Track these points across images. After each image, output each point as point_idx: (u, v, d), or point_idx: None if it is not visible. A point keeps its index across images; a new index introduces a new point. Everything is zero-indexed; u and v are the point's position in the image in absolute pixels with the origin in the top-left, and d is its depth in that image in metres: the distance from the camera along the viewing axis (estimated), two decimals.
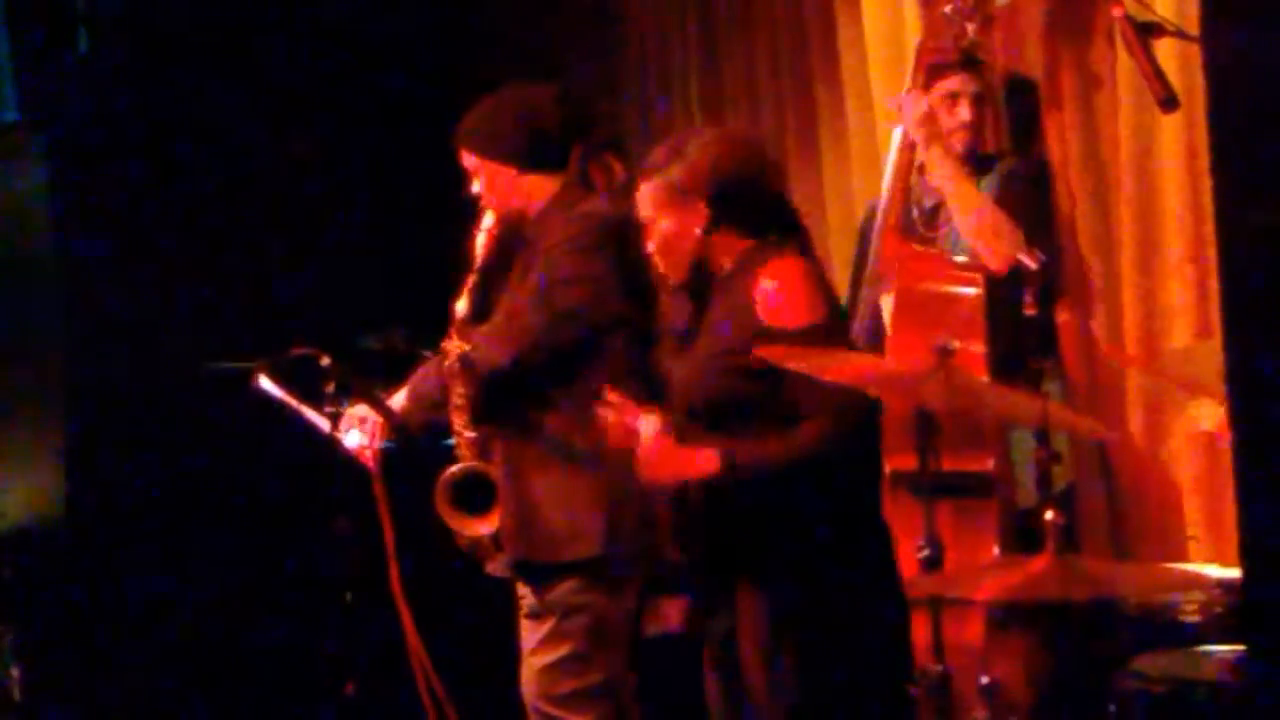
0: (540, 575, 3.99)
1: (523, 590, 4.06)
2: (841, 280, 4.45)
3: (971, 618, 3.76)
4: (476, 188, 4.07)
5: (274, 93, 5.96)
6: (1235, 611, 3.28)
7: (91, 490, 5.61)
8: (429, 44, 6.26)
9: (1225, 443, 3.04)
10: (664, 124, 5.79)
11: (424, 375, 4.10)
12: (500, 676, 4.14)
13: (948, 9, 4.07)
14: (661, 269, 3.62)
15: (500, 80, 4.21)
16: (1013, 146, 4.41)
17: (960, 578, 3.49)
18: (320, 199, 6.03)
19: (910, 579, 3.50)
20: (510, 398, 4.00)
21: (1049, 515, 2.99)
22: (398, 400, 4.12)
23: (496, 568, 4.07)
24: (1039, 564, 2.99)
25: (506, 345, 3.97)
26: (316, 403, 4.20)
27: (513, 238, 4.09)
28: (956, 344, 3.28)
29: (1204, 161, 3.75)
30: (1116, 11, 3.59)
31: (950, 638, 3.45)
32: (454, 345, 3.98)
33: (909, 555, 3.49)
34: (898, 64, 4.57)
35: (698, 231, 3.53)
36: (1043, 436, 3.29)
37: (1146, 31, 3.55)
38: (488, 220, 4.07)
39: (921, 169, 4.21)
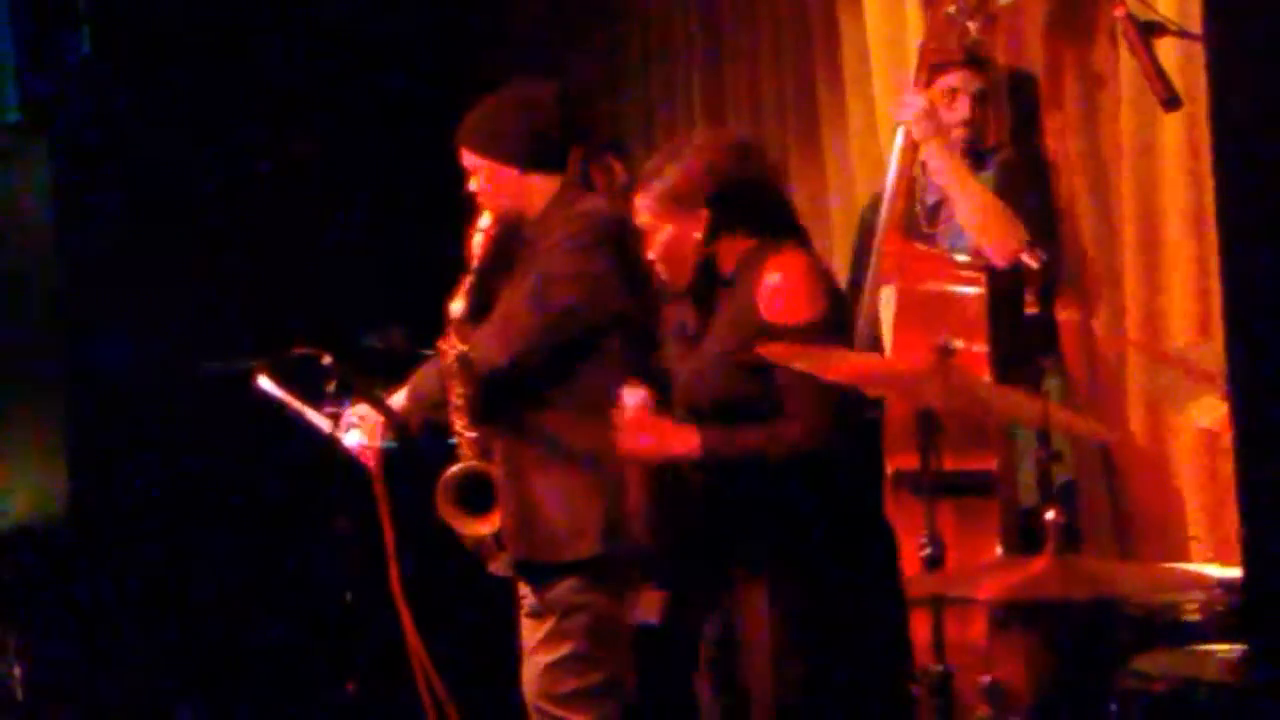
0: (541, 574, 3.99)
1: (524, 590, 4.06)
2: (842, 276, 4.46)
3: (973, 617, 3.76)
4: (474, 186, 4.07)
5: (274, 93, 5.96)
6: (1236, 611, 3.28)
7: (93, 490, 5.61)
8: (429, 44, 6.25)
9: (1227, 441, 3.05)
10: (666, 124, 5.79)
11: (424, 375, 4.10)
12: (501, 676, 4.14)
13: (951, 8, 4.06)
14: (663, 276, 3.63)
15: (501, 80, 4.21)
16: (1012, 139, 4.40)
17: (962, 577, 3.49)
18: (320, 199, 6.03)
19: (912, 578, 3.50)
20: (509, 397, 3.99)
21: (1050, 515, 2.99)
22: (398, 400, 4.12)
23: (499, 567, 4.07)
24: (1040, 563, 3.00)
25: (504, 344, 3.97)
26: (317, 402, 4.20)
27: (513, 238, 4.09)
28: (958, 343, 3.29)
29: (1206, 160, 3.75)
30: (1118, 11, 3.59)
31: (952, 637, 3.46)
32: (451, 345, 3.97)
33: (911, 554, 3.50)
34: (900, 64, 4.58)
35: (698, 237, 3.53)
36: (1044, 436, 3.29)
37: (1148, 31, 3.56)
38: (484, 220, 4.06)
39: (923, 166, 4.21)
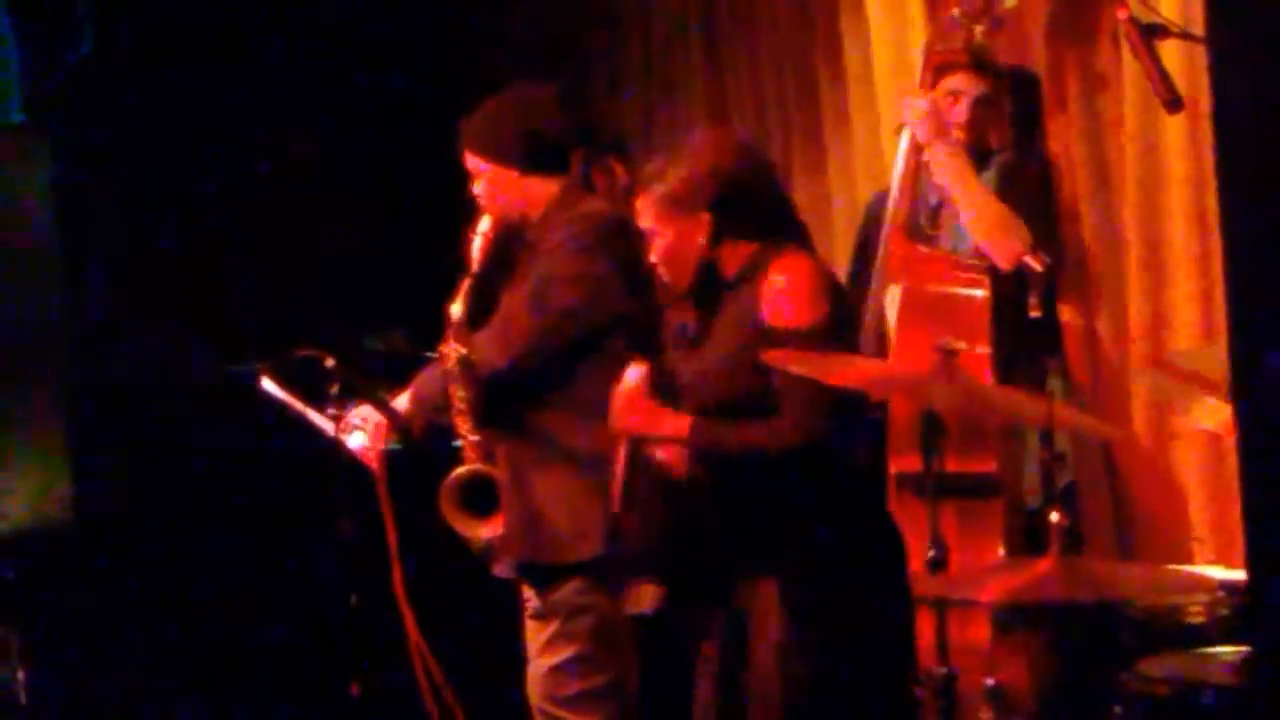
0: (544, 577, 3.99)
1: (528, 592, 4.06)
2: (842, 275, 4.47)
3: (976, 619, 3.75)
4: (477, 189, 4.07)
5: (275, 93, 5.96)
6: (1240, 613, 3.28)
7: (95, 492, 5.61)
8: (429, 44, 6.25)
9: (1230, 444, 3.05)
10: (666, 125, 5.79)
11: (427, 378, 4.10)
12: (505, 678, 4.14)
13: (955, 11, 4.06)
14: (665, 279, 3.63)
15: (501, 80, 4.22)
16: (1013, 141, 4.40)
17: (965, 579, 3.49)
18: (320, 199, 6.03)
19: (915, 580, 3.51)
20: (510, 399, 4.00)
21: (1054, 517, 2.99)
22: (401, 403, 4.12)
23: (503, 569, 4.07)
24: (1044, 565, 3.00)
25: (504, 347, 3.98)
26: (320, 404, 4.20)
27: (515, 240, 4.10)
28: (960, 345, 3.29)
29: (1208, 162, 3.77)
30: (1121, 13, 3.59)
31: (955, 639, 3.45)
32: (451, 348, 3.97)
33: (914, 556, 3.50)
34: (903, 65, 4.58)
35: (701, 241, 3.53)
36: (1046, 437, 3.29)
37: (1151, 33, 3.55)
38: (484, 224, 4.07)
39: (926, 167, 4.21)
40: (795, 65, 5.32)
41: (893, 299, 4.10)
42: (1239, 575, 3.17)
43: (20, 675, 5.19)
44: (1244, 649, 3.12)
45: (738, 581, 3.56)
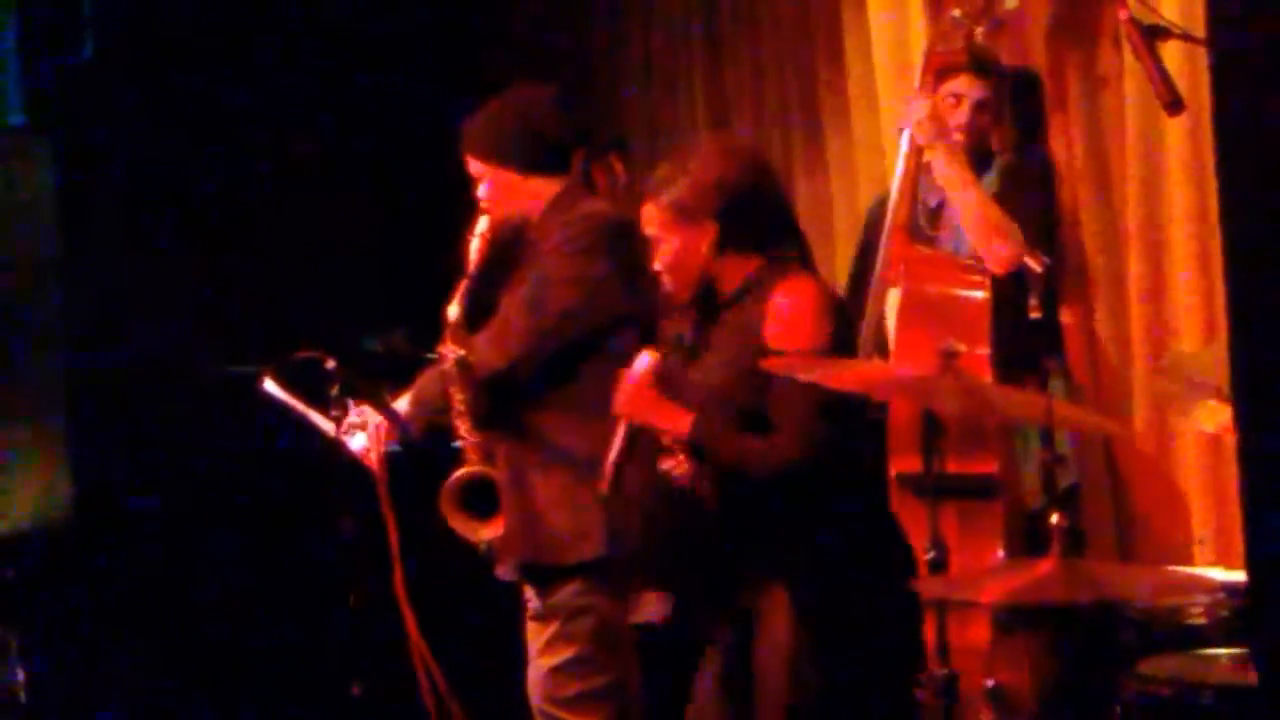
0: (545, 578, 3.99)
1: (529, 593, 4.06)
2: (845, 276, 4.47)
3: (977, 620, 3.75)
4: (482, 193, 4.07)
5: (274, 93, 5.96)
6: (1240, 615, 3.28)
7: (96, 492, 5.61)
8: (429, 44, 6.25)
9: (1231, 445, 3.05)
10: (667, 125, 5.79)
11: (428, 380, 4.10)
12: (506, 679, 4.14)
13: (956, 12, 4.06)
14: (668, 288, 3.64)
15: (501, 80, 4.21)
16: (1015, 143, 4.40)
17: (965, 580, 3.49)
18: (320, 199, 6.03)
19: (916, 581, 3.51)
20: (509, 401, 4.00)
21: (1054, 518, 2.99)
22: (401, 405, 4.12)
23: (505, 571, 4.07)
24: (1044, 567, 3.00)
25: (502, 349, 3.98)
26: (321, 406, 4.20)
27: (515, 240, 4.09)
28: (961, 347, 3.29)
29: (1209, 163, 3.77)
30: (1122, 14, 3.59)
31: (956, 640, 3.45)
32: (449, 350, 3.98)
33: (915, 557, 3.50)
34: (904, 66, 4.58)
35: (705, 250, 3.54)
36: (1047, 439, 3.29)
37: (1152, 34, 3.55)
38: (481, 225, 4.07)
39: (927, 168, 4.21)
40: (796, 66, 5.32)
41: (893, 301, 4.11)
42: (1239, 577, 3.17)
43: (20, 675, 5.19)
44: (1244, 650, 3.12)
45: (742, 583, 3.56)
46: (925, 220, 4.26)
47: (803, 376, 3.32)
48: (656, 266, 3.62)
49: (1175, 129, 3.99)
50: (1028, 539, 3.78)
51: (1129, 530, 4.24)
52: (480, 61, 6.14)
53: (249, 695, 5.50)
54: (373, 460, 4.12)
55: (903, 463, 3.78)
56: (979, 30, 4.05)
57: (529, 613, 4.07)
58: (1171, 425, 4.09)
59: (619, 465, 3.59)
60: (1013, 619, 3.78)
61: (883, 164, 4.64)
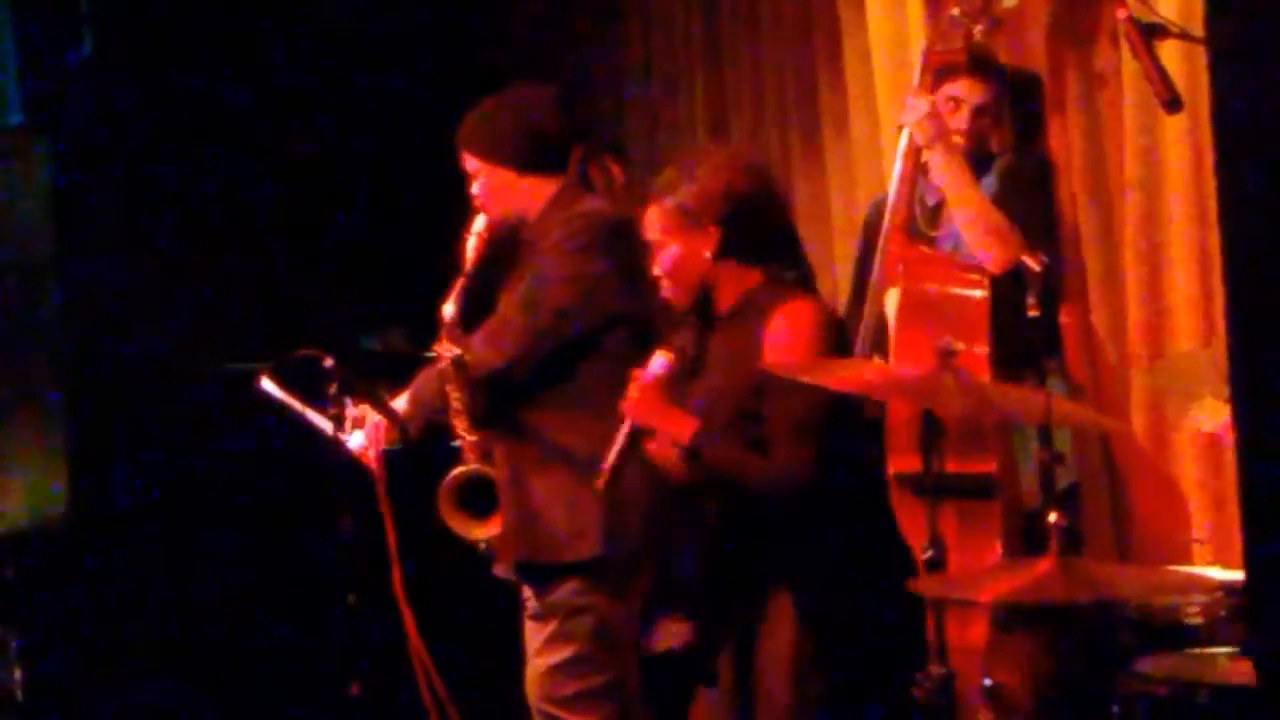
0: (543, 577, 3.99)
1: (528, 592, 4.06)
2: (844, 277, 4.46)
3: (975, 619, 3.75)
4: (476, 190, 4.07)
5: (275, 94, 5.96)
6: (1238, 614, 3.28)
7: (94, 491, 5.61)
8: (429, 44, 6.25)
9: (1229, 444, 3.05)
10: (667, 125, 5.79)
11: (426, 379, 4.10)
12: (504, 678, 4.14)
13: (955, 11, 4.06)
14: (668, 293, 3.64)
15: (501, 80, 4.22)
16: (1014, 143, 4.40)
17: (963, 579, 3.49)
18: (320, 199, 6.03)
19: (914, 581, 3.51)
20: (506, 399, 4.00)
21: (1052, 517, 2.99)
22: (400, 403, 4.12)
23: (503, 569, 4.07)
24: (1042, 566, 3.00)
25: (498, 348, 3.98)
26: (320, 404, 4.20)
27: (513, 240, 4.09)
28: (959, 346, 3.29)
29: (1208, 162, 3.77)
30: (1121, 13, 3.59)
31: (953, 639, 3.46)
32: (445, 349, 3.98)
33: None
34: (902, 66, 4.57)
35: (707, 255, 3.55)
36: (1045, 438, 3.29)
37: (1151, 33, 3.55)
38: (478, 224, 4.07)
39: (925, 168, 4.21)
40: (795, 66, 5.32)
41: (892, 300, 4.10)
42: (1237, 576, 3.17)
43: (17, 674, 5.19)
44: (1242, 649, 3.12)
45: (744, 587, 3.56)
46: (924, 220, 4.26)
47: (804, 378, 3.32)
48: (656, 271, 3.62)
49: (1174, 128, 3.98)
50: (1026, 538, 3.77)
51: (1127, 530, 4.24)
52: (480, 61, 6.14)
53: (248, 695, 5.50)
54: (371, 459, 4.12)
55: (901, 462, 3.77)
56: (978, 29, 4.05)
57: (527, 612, 4.07)
58: (1170, 425, 4.09)
59: (618, 465, 3.59)
60: (1011, 618, 3.78)
61: (881, 164, 4.64)
